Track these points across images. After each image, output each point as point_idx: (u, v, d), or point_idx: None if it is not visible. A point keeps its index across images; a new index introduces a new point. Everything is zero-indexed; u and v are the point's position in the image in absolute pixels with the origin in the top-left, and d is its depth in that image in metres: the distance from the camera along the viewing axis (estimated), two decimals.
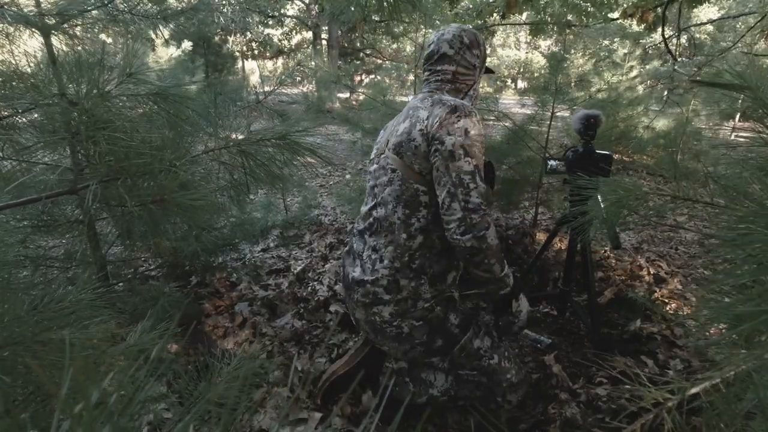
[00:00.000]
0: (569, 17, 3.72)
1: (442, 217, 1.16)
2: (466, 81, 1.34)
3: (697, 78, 4.27)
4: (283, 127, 1.27)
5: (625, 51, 5.90)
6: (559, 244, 2.65)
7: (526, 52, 23.42)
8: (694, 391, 0.56)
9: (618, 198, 0.83)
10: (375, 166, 1.33)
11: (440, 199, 1.15)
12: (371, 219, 1.30)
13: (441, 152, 1.14)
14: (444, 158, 1.13)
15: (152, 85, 1.13)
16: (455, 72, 1.32)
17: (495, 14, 4.12)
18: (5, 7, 1.17)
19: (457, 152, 1.13)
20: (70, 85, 0.93)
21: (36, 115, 1.00)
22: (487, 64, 1.43)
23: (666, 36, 2.84)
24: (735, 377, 0.56)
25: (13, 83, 0.89)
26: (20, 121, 1.01)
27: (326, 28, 13.70)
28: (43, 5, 1.30)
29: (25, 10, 1.26)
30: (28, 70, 0.94)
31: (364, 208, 1.36)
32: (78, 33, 1.41)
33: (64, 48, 1.29)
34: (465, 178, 1.12)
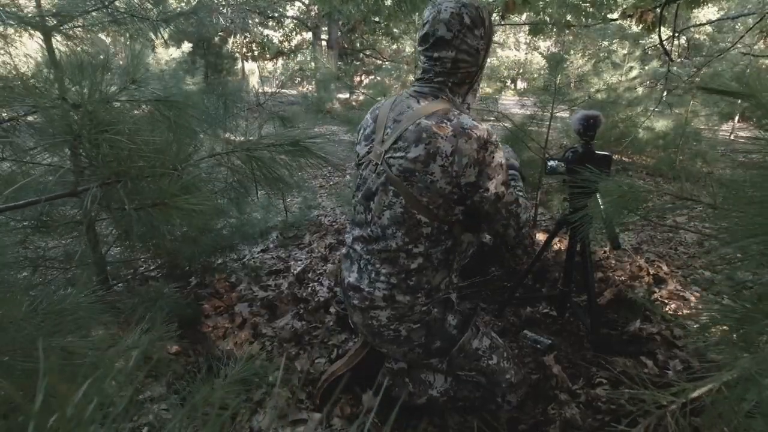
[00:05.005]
0: (568, 17, 3.72)
1: (496, 239, 1.34)
2: (469, 69, 1.21)
3: (696, 81, 4.26)
4: (294, 132, 1.26)
5: (625, 52, 5.90)
6: (558, 245, 2.65)
7: (526, 53, 23.41)
8: (697, 393, 0.56)
9: (621, 194, 0.84)
10: (373, 175, 1.22)
11: (494, 229, 1.26)
12: (366, 232, 1.25)
13: (488, 199, 1.17)
14: (492, 202, 1.18)
15: (154, 92, 1.13)
16: (455, 59, 1.17)
17: (495, 15, 4.11)
18: (5, 8, 1.17)
19: (501, 191, 1.18)
20: (73, 88, 0.93)
21: (36, 117, 1.00)
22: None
23: (663, 38, 2.83)
24: (737, 379, 0.56)
25: (13, 86, 0.89)
26: (21, 123, 1.01)
27: (326, 28, 13.71)
28: (43, 6, 1.30)
29: (26, 11, 1.26)
30: (28, 72, 0.94)
31: (357, 216, 1.29)
32: (78, 34, 1.41)
33: (65, 49, 1.29)
34: (512, 208, 1.23)
